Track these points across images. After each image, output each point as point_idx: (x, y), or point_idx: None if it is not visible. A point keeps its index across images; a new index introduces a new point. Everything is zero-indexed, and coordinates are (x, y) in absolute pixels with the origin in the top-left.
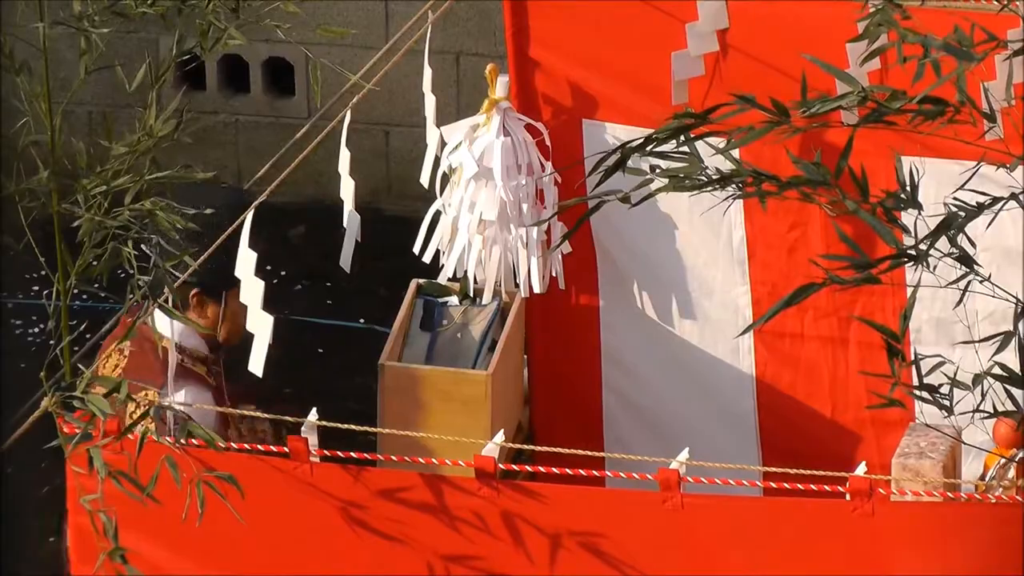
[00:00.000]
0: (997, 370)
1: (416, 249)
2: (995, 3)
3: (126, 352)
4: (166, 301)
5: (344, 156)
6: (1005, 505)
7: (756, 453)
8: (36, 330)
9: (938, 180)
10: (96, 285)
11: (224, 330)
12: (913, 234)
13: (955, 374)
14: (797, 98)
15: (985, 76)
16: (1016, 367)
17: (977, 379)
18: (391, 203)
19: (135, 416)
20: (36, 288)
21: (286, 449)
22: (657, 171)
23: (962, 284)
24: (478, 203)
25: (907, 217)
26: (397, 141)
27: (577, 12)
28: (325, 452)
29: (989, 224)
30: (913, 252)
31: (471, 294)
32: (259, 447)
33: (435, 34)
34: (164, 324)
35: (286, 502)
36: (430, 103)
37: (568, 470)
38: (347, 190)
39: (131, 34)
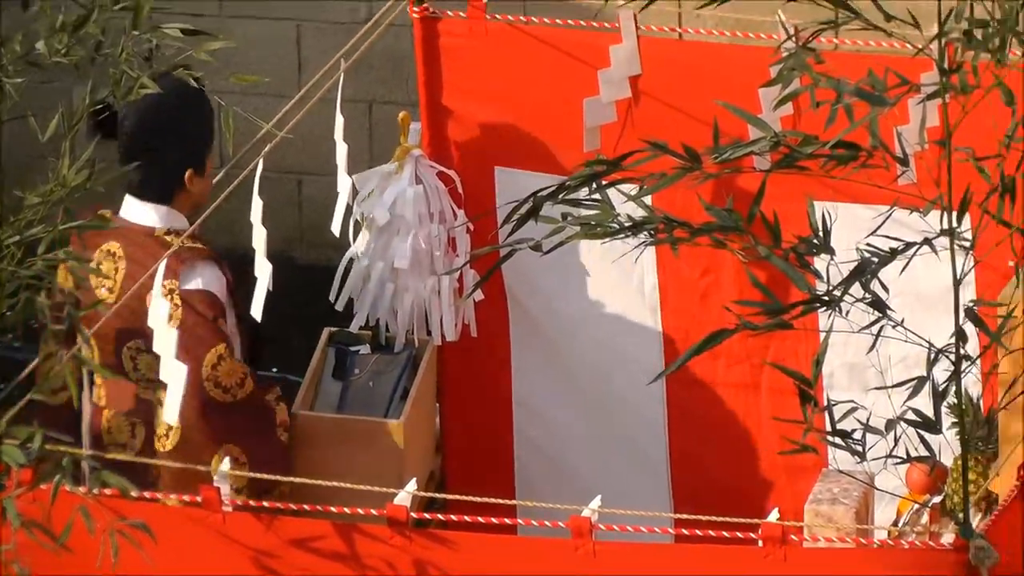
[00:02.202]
0: (911, 415)
1: (330, 297)
2: (909, 47)
3: (119, 254)
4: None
5: (256, 205)
6: (918, 551)
7: (668, 500)
8: None
9: (851, 225)
10: (10, 335)
11: (205, 199)
12: (826, 279)
13: (868, 419)
14: (710, 143)
15: (899, 120)
16: (930, 412)
17: (890, 424)
18: (304, 252)
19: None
20: None
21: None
22: (569, 219)
23: (875, 329)
24: (390, 251)
25: (820, 262)
26: (310, 189)
27: (489, 60)
28: (238, 501)
29: (903, 270)
30: (826, 297)
31: (383, 342)
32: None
33: (347, 82)
34: (141, 213)
35: (200, 551)
36: (342, 151)
37: (480, 518)
38: (259, 239)
39: (44, 84)
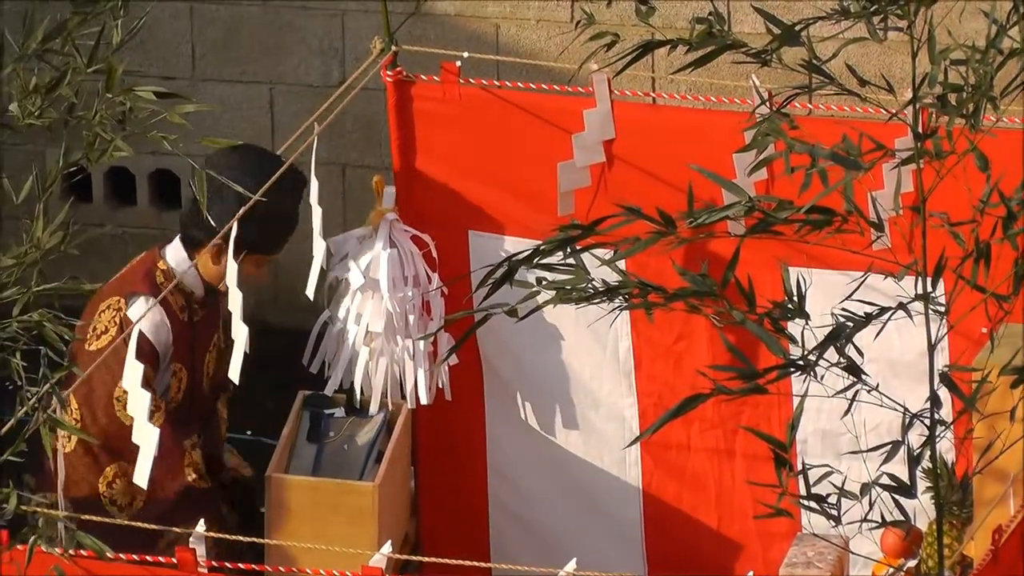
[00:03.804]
0: (885, 480)
1: (304, 360)
2: (883, 112)
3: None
4: (55, 411)
5: (231, 268)
6: None
7: (642, 565)
8: None
9: (825, 290)
10: None
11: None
12: (800, 344)
13: (843, 484)
14: (684, 208)
15: (873, 185)
16: (904, 477)
17: (865, 489)
18: (278, 315)
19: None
20: None
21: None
22: (543, 283)
23: (850, 394)
24: (365, 315)
25: (794, 327)
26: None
27: (463, 123)
28: (213, 563)
29: (877, 335)
30: (801, 362)
31: (358, 405)
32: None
33: (321, 146)
34: (175, 257)
35: None
36: (316, 215)
37: None
38: (235, 302)
39: (17, 146)
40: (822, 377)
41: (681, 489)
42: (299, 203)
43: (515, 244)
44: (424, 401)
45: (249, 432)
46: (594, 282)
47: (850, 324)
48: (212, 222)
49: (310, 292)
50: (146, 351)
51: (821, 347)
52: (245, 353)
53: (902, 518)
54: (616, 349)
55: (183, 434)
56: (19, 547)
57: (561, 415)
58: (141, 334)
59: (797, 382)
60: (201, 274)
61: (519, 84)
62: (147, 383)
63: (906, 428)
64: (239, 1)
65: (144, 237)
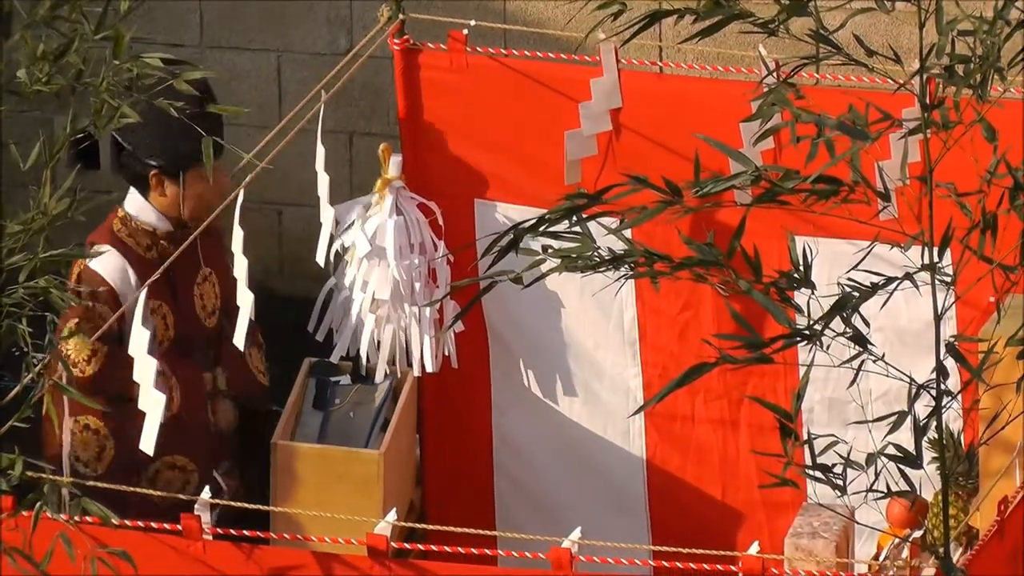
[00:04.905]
0: (891, 450)
1: (310, 327)
2: (890, 82)
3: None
4: (60, 378)
5: (237, 235)
6: None
7: (647, 535)
8: None
9: (831, 260)
10: None
11: (187, 208)
12: (806, 314)
13: (849, 454)
14: (691, 177)
15: (880, 155)
16: (910, 447)
17: (870, 459)
18: (283, 283)
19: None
20: None
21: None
22: (549, 251)
23: (856, 364)
24: (371, 282)
25: (800, 297)
26: (290, 221)
27: (470, 92)
28: (218, 530)
29: (883, 304)
30: (807, 331)
31: (364, 373)
32: None
33: (328, 114)
34: (133, 204)
35: None
36: (323, 182)
37: (460, 549)
38: (240, 269)
39: (25, 113)
40: (828, 347)
41: (685, 460)
42: (208, 101)
43: (521, 212)
44: (430, 369)
45: None
46: (600, 251)
47: (856, 294)
48: (131, 148)
49: (320, 259)
50: (104, 295)
51: (827, 317)
52: (251, 320)
53: (908, 488)
54: (621, 319)
55: (201, 365)
56: (24, 513)
57: (566, 385)
58: (99, 277)
59: (803, 351)
60: (158, 208)
61: (526, 53)
62: (99, 327)
63: (912, 398)
64: None
65: None
